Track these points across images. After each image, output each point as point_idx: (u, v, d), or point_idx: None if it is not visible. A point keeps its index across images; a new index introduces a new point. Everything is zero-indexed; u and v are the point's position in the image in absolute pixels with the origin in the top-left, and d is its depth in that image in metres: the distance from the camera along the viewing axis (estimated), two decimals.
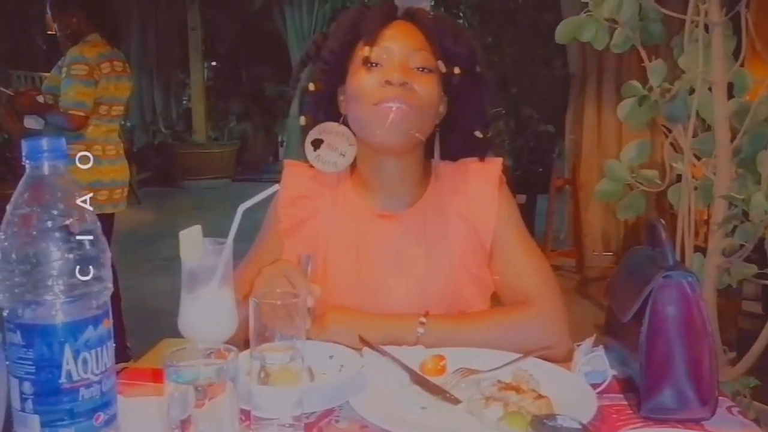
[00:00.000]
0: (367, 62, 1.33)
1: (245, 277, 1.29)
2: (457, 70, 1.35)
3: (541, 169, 5.89)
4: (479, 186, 1.42)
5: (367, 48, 1.32)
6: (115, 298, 3.53)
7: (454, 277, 1.39)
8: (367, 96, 1.32)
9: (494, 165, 1.44)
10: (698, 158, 1.84)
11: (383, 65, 1.32)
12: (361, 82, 1.33)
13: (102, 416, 0.73)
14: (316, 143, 1.37)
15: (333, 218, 1.43)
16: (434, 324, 1.28)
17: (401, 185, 1.41)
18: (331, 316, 1.29)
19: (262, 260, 1.40)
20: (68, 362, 0.70)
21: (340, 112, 1.40)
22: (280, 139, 12.12)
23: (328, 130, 1.37)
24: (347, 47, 1.38)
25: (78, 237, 0.72)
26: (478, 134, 1.41)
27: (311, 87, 1.40)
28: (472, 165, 1.44)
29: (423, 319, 1.28)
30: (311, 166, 1.40)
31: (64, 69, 3.38)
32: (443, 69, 1.34)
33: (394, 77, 1.29)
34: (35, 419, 0.70)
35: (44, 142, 0.71)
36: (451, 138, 1.42)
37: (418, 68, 1.33)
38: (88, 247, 0.72)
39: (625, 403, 1.07)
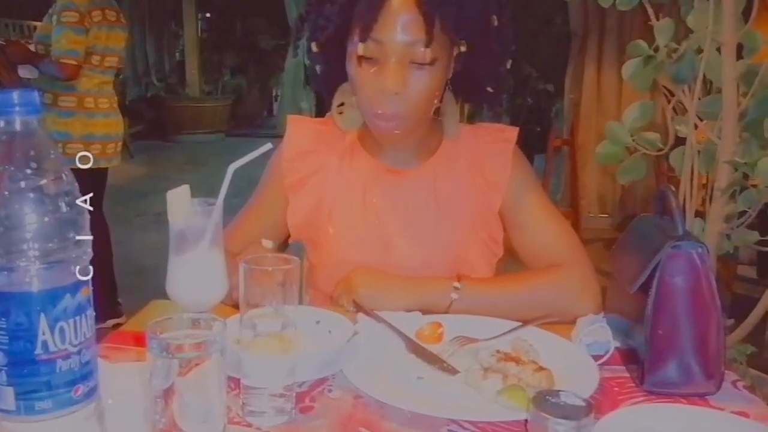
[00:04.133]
0: (361, 59, 1.22)
1: (242, 232, 1.32)
2: (463, 48, 1.26)
3: (538, 129, 5.83)
4: (493, 149, 1.38)
5: (361, 45, 1.21)
6: (107, 253, 3.51)
7: (461, 239, 1.37)
8: (363, 100, 1.26)
9: (510, 132, 1.41)
10: (701, 120, 1.80)
11: (378, 60, 1.21)
12: (357, 76, 1.24)
13: (81, 388, 0.69)
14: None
15: (340, 173, 1.39)
16: (469, 288, 1.25)
17: (408, 142, 1.36)
18: (360, 279, 1.24)
19: (260, 216, 1.41)
20: (44, 332, 0.65)
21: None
22: (274, 93, 11.98)
23: (347, 90, 1.33)
24: (346, 12, 1.25)
25: (54, 198, 0.66)
26: (490, 90, 1.36)
27: (315, 48, 1.32)
28: (487, 129, 1.42)
29: (457, 284, 1.25)
30: (315, 121, 1.42)
31: (55, 17, 3.32)
32: (432, 59, 1.21)
33: (388, 86, 1.20)
34: (9, 391, 0.66)
35: (15, 95, 0.65)
36: (462, 88, 1.36)
37: (416, 63, 1.21)
38: (65, 209, 0.67)
39: (627, 375, 1.04)
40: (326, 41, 1.29)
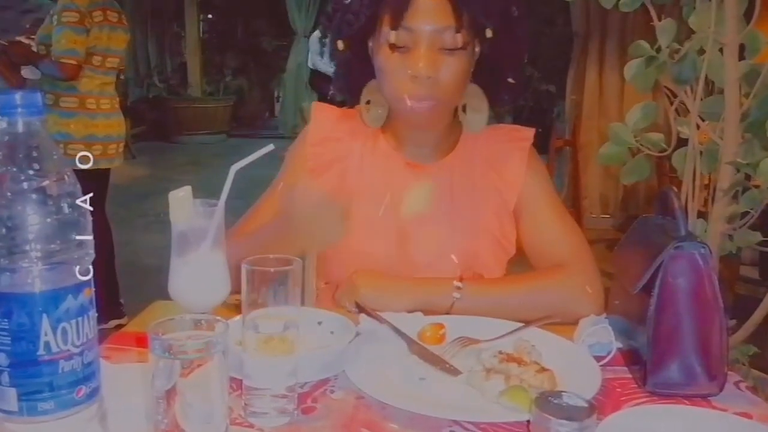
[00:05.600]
0: (392, 47, 1.25)
1: (261, 216, 1.37)
2: (489, 34, 1.28)
3: (540, 130, 5.82)
4: (509, 148, 1.41)
5: (393, 33, 1.24)
6: (109, 254, 3.50)
7: (474, 236, 1.38)
8: (393, 86, 1.28)
9: (527, 132, 1.44)
10: (702, 121, 1.80)
11: (409, 47, 1.24)
12: (387, 64, 1.27)
13: (84, 389, 0.69)
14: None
15: (362, 162, 1.42)
16: (471, 288, 1.25)
17: (430, 134, 1.39)
18: (362, 280, 1.25)
19: (281, 200, 1.40)
20: (46, 333, 0.66)
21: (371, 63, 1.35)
22: (276, 94, 11.98)
23: (374, 87, 1.36)
24: (374, 5, 1.28)
25: (57, 199, 0.67)
26: (511, 81, 1.37)
27: (340, 46, 1.35)
28: (504, 129, 1.45)
29: (459, 284, 1.25)
30: (340, 110, 1.46)
31: (55, 17, 3.32)
32: (461, 44, 1.24)
33: (420, 70, 1.23)
34: (12, 392, 0.66)
35: (18, 96, 0.65)
36: (484, 79, 1.36)
37: (446, 49, 1.24)
38: (67, 210, 0.67)
39: (630, 376, 1.04)
40: (351, 38, 1.32)
